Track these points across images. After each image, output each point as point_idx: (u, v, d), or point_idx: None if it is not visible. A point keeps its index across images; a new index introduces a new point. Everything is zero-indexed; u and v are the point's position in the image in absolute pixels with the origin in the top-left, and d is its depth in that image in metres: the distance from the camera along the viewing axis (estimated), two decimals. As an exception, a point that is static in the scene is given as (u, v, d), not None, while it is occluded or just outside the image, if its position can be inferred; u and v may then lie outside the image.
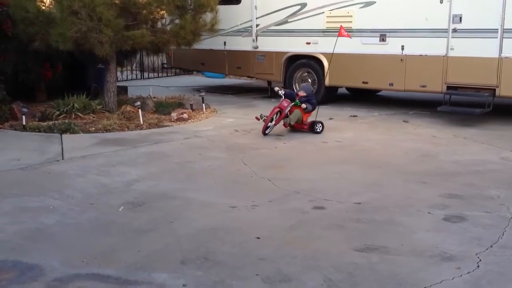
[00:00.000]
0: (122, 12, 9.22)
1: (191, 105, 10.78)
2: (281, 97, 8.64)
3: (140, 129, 9.03)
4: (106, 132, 8.76)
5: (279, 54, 11.82)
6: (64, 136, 8.37)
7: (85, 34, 8.77)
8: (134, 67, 17.22)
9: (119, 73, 11.64)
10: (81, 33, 8.74)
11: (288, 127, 8.70)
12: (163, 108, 10.45)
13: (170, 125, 9.42)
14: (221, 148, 7.67)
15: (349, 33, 9.32)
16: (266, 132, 8.45)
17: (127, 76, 16.54)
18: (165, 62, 16.92)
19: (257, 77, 12.98)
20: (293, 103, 8.51)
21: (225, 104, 11.75)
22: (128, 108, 10.03)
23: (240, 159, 7.03)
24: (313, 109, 8.69)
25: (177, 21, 10.15)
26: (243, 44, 12.26)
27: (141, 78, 17.23)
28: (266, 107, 11.40)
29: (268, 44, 11.94)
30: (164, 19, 10.52)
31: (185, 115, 9.90)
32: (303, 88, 9.00)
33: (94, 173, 6.38)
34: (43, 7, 9.56)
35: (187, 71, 18.12)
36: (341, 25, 9.17)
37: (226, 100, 12.56)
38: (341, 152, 7.59)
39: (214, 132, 8.85)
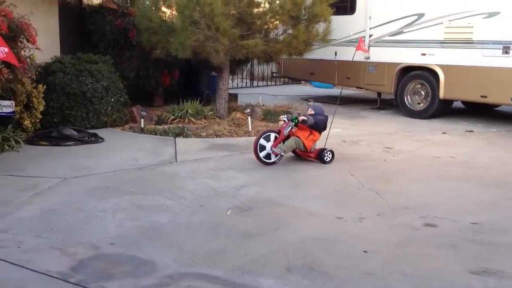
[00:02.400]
0: (238, 22, 9.50)
1: (298, 114, 10.79)
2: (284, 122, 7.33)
3: (248, 136, 9.20)
4: (216, 137, 9.05)
5: (391, 65, 11.53)
6: (177, 139, 8.76)
7: (203, 43, 9.16)
8: (244, 75, 17.65)
9: (230, 81, 12.00)
10: (199, 42, 9.14)
11: (294, 154, 7.51)
12: (271, 116, 10.59)
13: (278, 133, 9.51)
14: (329, 158, 7.61)
15: (365, 48, 8.79)
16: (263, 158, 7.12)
17: (237, 84, 16.98)
18: (274, 71, 17.18)
19: (367, 88, 12.74)
20: (292, 122, 7.17)
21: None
22: (238, 115, 10.29)
23: (347, 170, 6.93)
24: (315, 125, 7.24)
25: (290, 31, 10.26)
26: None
27: (250, 86, 17.62)
28: (375, 119, 11.21)
29: (380, 55, 11.70)
30: (277, 29, 10.68)
31: (293, 124, 9.94)
32: (312, 106, 7.76)
33: (204, 176, 6.59)
34: (166, 17, 10.11)
35: (296, 81, 18.27)
36: (360, 38, 8.72)
37: (334, 110, 12.42)
38: (455, 168, 7.22)
39: (321, 141, 8.76)
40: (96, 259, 4.08)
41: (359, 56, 11.95)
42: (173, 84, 11.94)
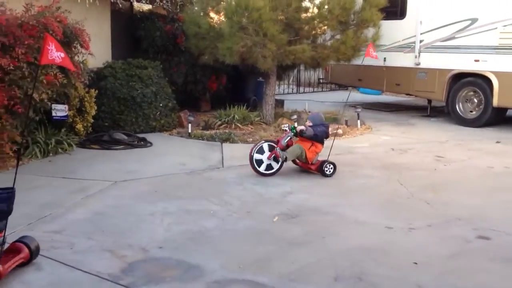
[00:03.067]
0: (285, 28, 9.50)
1: (346, 121, 10.71)
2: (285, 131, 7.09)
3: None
4: (263, 143, 9.05)
5: (443, 71, 11.25)
6: (224, 145, 8.82)
7: (250, 49, 9.20)
8: (291, 81, 17.63)
9: (276, 87, 12.01)
10: (247, 47, 9.18)
11: (295, 165, 7.18)
12: (318, 123, 10.51)
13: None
14: (376, 166, 7.48)
15: (376, 54, 8.26)
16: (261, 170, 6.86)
17: (283, 90, 16.96)
18: (321, 77, 17.08)
19: (416, 95, 12.48)
20: (291, 132, 6.90)
21: (381, 122, 11.48)
22: (284, 121, 10.26)
23: (397, 179, 6.79)
24: (315, 137, 6.88)
25: (338, 36, 10.18)
26: (404, 60, 11.88)
27: (297, 92, 17.58)
28: (425, 127, 10.96)
29: (431, 61, 11.43)
30: (325, 34, 10.61)
31: (339, 131, 9.84)
32: (311, 117, 7.30)
33: (250, 182, 6.59)
34: (214, 23, 10.21)
35: (343, 87, 18.09)
36: (370, 43, 8.38)
37: (382, 117, 12.28)
38: (509, 179, 6.97)
39: (369, 149, 8.67)
40: (145, 262, 4.13)
41: (409, 62, 11.77)
42: (220, 89, 12.04)
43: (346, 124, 10.60)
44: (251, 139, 9.19)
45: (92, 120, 8.80)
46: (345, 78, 14.19)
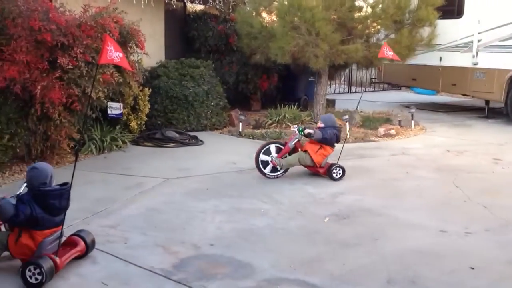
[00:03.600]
0: (338, 27, 9.40)
1: (399, 121, 10.49)
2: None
3: (346, 143, 9.04)
4: (314, 143, 8.98)
5: (502, 71, 10.83)
6: (275, 144, 8.80)
7: (303, 48, 9.16)
8: (342, 80, 17.43)
9: (327, 86, 11.92)
10: (299, 47, 9.15)
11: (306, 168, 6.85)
12: (370, 123, 10.35)
13: (376, 140, 9.28)
14: (431, 168, 7.29)
15: (393, 54, 7.67)
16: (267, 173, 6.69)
17: (334, 90, 16.79)
18: (374, 76, 16.79)
19: (473, 95, 12.07)
20: (298, 133, 6.61)
21: (436, 122, 11.18)
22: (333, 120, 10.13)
23: (452, 181, 6.59)
24: (324, 141, 6.55)
25: (392, 35, 9.98)
26: (460, 60, 11.51)
27: (348, 92, 17.35)
28: (482, 128, 10.60)
29: (489, 61, 11.02)
30: (378, 34, 10.42)
31: (392, 131, 9.66)
32: (322, 119, 6.94)
33: (301, 182, 6.56)
34: (266, 23, 10.23)
35: (396, 87, 17.74)
36: (384, 42, 7.86)
37: (437, 118, 11.95)
38: None
39: (423, 150, 8.46)
40: (197, 259, 4.18)
41: (466, 62, 11.40)
42: (271, 88, 12.05)
43: (400, 124, 10.38)
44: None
45: (145, 118, 8.97)
46: (399, 77, 13.90)
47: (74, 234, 4.07)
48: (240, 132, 9.48)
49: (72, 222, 4.62)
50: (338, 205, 5.68)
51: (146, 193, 5.92)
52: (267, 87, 11.87)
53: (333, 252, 4.44)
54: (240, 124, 9.59)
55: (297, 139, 6.62)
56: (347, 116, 9.66)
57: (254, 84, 11.60)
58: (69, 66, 6.26)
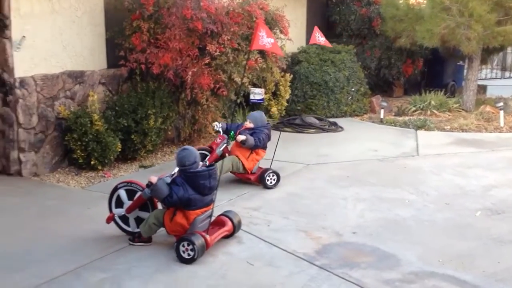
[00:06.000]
0: (494, 7, 8.66)
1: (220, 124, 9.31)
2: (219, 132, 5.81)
3: (499, 132, 8.38)
4: (462, 131, 8.44)
5: None
6: (418, 132, 8.43)
7: (453, 30, 8.61)
8: (494, 65, 16.11)
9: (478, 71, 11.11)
10: (449, 29, 8.61)
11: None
12: (528, 111, 9.47)
13: (535, 130, 8.46)
14: None
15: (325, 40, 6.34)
16: None
17: (485, 75, 15.58)
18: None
19: None
20: (227, 138, 5.67)
21: None
22: (488, 108, 9.43)
23: None
24: (260, 145, 5.58)
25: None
26: None
27: (501, 78, 16.01)
28: None
29: None
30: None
31: (555, 121, 8.74)
32: (251, 117, 5.76)
33: (448, 172, 6.19)
34: (413, 4, 9.77)
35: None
36: (315, 27, 6.45)
37: None
38: None
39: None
40: (339, 246, 4.13)
41: None
42: (415, 74, 11.54)
43: None
44: (448, 127, 8.64)
45: (285, 104, 9.08)
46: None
47: (222, 215, 4.24)
48: (381, 119, 9.21)
49: (218, 203, 4.82)
50: (490, 198, 5.27)
51: (286, 178, 5.97)
52: (411, 72, 11.38)
53: (485, 248, 4.12)
54: (382, 110, 9.31)
55: (224, 144, 5.64)
56: (501, 103, 8.98)
57: (397, 69, 11.17)
58: (217, 53, 6.51)
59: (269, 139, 5.76)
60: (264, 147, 5.72)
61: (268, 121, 5.87)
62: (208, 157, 5.56)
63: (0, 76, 5.65)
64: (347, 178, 5.99)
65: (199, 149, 5.19)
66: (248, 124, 5.65)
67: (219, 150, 5.56)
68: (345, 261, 3.85)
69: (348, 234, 4.37)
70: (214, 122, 5.62)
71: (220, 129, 5.69)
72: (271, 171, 5.63)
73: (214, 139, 5.52)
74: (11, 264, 3.72)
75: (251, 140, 5.47)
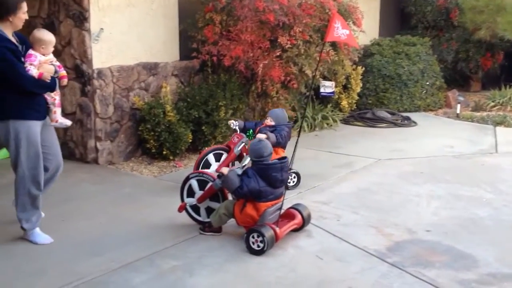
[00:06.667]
0: None
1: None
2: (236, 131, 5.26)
3: None
4: (545, 128, 7.99)
5: None
6: (497, 128, 8.04)
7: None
8: None
9: None
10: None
11: None
12: None
13: None
14: None
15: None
16: None
17: None
18: None
19: None
20: (245, 136, 5.12)
21: None
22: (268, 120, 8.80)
23: None
24: (282, 142, 5.07)
25: None
26: None
27: None
28: None
29: None
30: None
31: None
32: (272, 114, 5.25)
33: (531, 171, 5.87)
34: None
35: None
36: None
37: None
38: None
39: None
40: (412, 244, 4.00)
41: None
42: (494, 67, 11.00)
43: None
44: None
45: (356, 97, 8.92)
46: None
47: (291, 207, 4.21)
48: (457, 114, 8.85)
49: (287, 195, 4.78)
50: None
51: (357, 173, 5.88)
52: (490, 66, 10.85)
53: None
54: (458, 105, 8.95)
55: (243, 143, 5.10)
56: None
57: (476, 63, 10.69)
58: (288, 45, 6.47)
59: (289, 138, 5.25)
60: (284, 146, 5.22)
61: (289, 120, 5.43)
62: (225, 157, 5.14)
63: (79, 67, 5.90)
64: (421, 174, 5.80)
65: (215, 149, 5.16)
66: (269, 122, 5.19)
67: (237, 150, 5.08)
68: (418, 260, 3.72)
69: (421, 232, 4.23)
70: (230, 120, 5.33)
71: (237, 127, 5.25)
72: (292, 171, 5.20)
73: (231, 138, 5.18)
74: (92, 248, 3.87)
75: (273, 137, 4.96)
